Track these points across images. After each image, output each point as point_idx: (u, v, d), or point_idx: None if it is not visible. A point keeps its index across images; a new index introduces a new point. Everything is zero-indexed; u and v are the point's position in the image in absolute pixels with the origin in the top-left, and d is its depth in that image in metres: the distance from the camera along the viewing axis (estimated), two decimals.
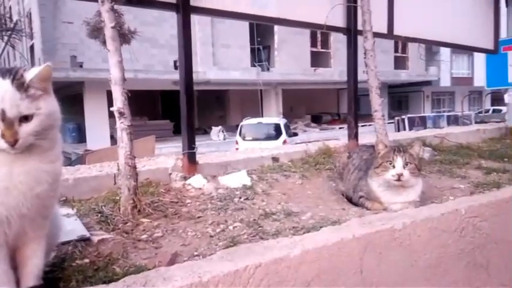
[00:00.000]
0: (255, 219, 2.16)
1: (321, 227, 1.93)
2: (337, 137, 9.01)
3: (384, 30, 4.30)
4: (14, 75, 1.13)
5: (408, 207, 2.24)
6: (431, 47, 25.16)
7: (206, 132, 19.69)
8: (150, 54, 16.73)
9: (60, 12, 15.20)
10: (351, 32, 3.88)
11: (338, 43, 20.45)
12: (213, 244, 1.88)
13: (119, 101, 2.39)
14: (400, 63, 24.01)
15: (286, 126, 15.58)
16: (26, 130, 1.14)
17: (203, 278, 1.20)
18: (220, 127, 19.07)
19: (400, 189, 2.34)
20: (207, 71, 17.80)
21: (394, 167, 2.29)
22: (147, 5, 3.03)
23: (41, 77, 1.17)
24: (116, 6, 2.45)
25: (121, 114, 2.38)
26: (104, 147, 10.99)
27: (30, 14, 16.59)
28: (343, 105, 25.97)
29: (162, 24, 15.87)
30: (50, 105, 1.20)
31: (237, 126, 15.92)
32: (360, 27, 3.85)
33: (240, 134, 15.23)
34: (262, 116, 17.78)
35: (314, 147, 3.84)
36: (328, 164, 3.36)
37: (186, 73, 3.04)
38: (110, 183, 2.73)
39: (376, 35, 3.69)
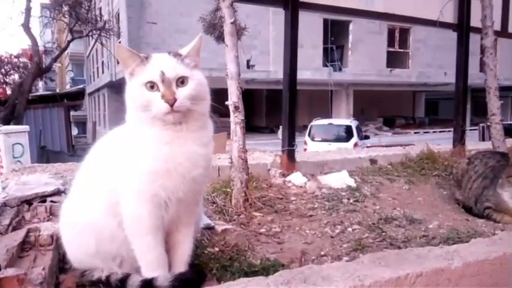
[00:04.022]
0: (374, 223, 2.06)
1: (458, 237, 1.78)
2: (412, 142, 8.50)
3: (497, 28, 3.92)
4: (171, 51, 1.29)
5: None
6: None
7: (273, 131, 19.75)
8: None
9: (145, 13, 16.19)
10: (463, 28, 3.58)
11: (418, 43, 19.31)
12: (337, 245, 1.82)
13: (234, 96, 2.42)
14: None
15: (358, 129, 15.00)
16: (182, 92, 1.21)
17: (364, 282, 1.14)
18: None
19: None
20: (279, 70, 17.82)
21: None
22: (256, 1, 3.05)
23: (196, 47, 1.28)
24: None
25: (236, 108, 2.41)
26: None
27: (118, 14, 17.89)
28: (419, 108, 24.47)
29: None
30: (200, 76, 1.28)
31: (305, 126, 15.67)
32: (473, 24, 3.56)
33: (309, 135, 14.97)
34: (331, 117, 17.37)
35: (414, 151, 3.62)
36: (435, 170, 3.13)
37: (291, 71, 3.01)
38: (214, 175, 2.78)
39: None
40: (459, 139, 3.59)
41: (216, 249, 1.71)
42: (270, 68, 17.67)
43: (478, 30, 3.39)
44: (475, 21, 3.47)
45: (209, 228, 1.91)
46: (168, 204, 1.27)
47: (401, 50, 19.83)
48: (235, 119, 2.41)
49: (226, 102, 2.44)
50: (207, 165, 1.32)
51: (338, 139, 14.09)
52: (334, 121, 15.60)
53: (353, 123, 14.90)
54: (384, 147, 4.57)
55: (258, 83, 18.04)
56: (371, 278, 1.15)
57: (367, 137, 15.48)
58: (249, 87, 18.08)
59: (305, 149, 12.55)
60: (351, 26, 18.70)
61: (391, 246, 1.74)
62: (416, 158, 3.42)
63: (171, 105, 1.18)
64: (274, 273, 1.24)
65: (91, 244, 1.30)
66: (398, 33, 19.16)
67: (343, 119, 17.09)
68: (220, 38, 2.53)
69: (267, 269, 1.46)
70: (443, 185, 2.89)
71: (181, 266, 1.34)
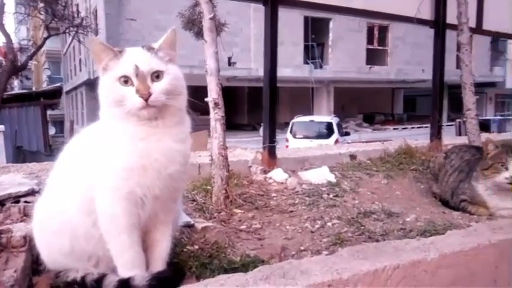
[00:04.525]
0: (353, 217, 2.08)
1: (434, 230, 1.82)
2: (391, 138, 8.68)
3: (473, 25, 4.01)
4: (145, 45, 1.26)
5: None
6: (498, 46, 23.43)
7: (255, 128, 19.74)
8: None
9: (124, 10, 15.90)
10: (439, 25, 3.65)
11: (396, 40, 19.65)
12: (317, 240, 1.83)
13: (214, 92, 2.40)
14: None
15: (339, 125, 15.17)
16: (157, 87, 1.18)
17: (343, 275, 1.15)
18: None
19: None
20: (260, 67, 17.82)
21: (507, 169, 2.11)
22: None
23: (168, 40, 1.25)
24: None
25: (216, 104, 2.39)
26: None
27: (96, 11, 17.52)
28: (397, 105, 24.93)
29: None
30: (176, 70, 1.25)
31: (286, 123, 15.73)
32: (449, 21, 3.64)
33: (290, 132, 15.03)
34: (312, 114, 17.48)
35: (392, 146, 3.68)
36: (413, 165, 3.19)
37: (271, 67, 3.00)
38: (195, 172, 2.75)
39: None
40: (436, 134, 3.67)
41: (196, 247, 1.69)
42: (252, 66, 17.64)
43: (454, 27, 3.47)
44: (451, 18, 3.54)
45: (189, 226, 1.88)
46: (145, 201, 1.24)
47: (380, 48, 20.15)
48: (215, 116, 2.39)
49: (205, 99, 2.42)
50: (185, 162, 1.29)
51: (319, 136, 14.20)
52: (316, 118, 15.72)
53: (334, 120, 15.05)
54: (363, 143, 4.63)
55: (239, 81, 17.98)
56: (349, 271, 1.15)
57: (347, 134, 15.68)
58: (231, 85, 18.01)
59: (287, 146, 12.59)
60: (331, 24, 18.86)
61: (369, 240, 1.76)
62: (395, 153, 3.48)
63: (146, 100, 1.16)
64: (254, 269, 1.24)
65: (65, 243, 1.26)
66: (377, 30, 19.46)
67: (324, 116, 17.23)
68: (199, 34, 2.50)
69: (247, 266, 1.46)
70: (421, 179, 2.94)
71: (159, 264, 1.32)
